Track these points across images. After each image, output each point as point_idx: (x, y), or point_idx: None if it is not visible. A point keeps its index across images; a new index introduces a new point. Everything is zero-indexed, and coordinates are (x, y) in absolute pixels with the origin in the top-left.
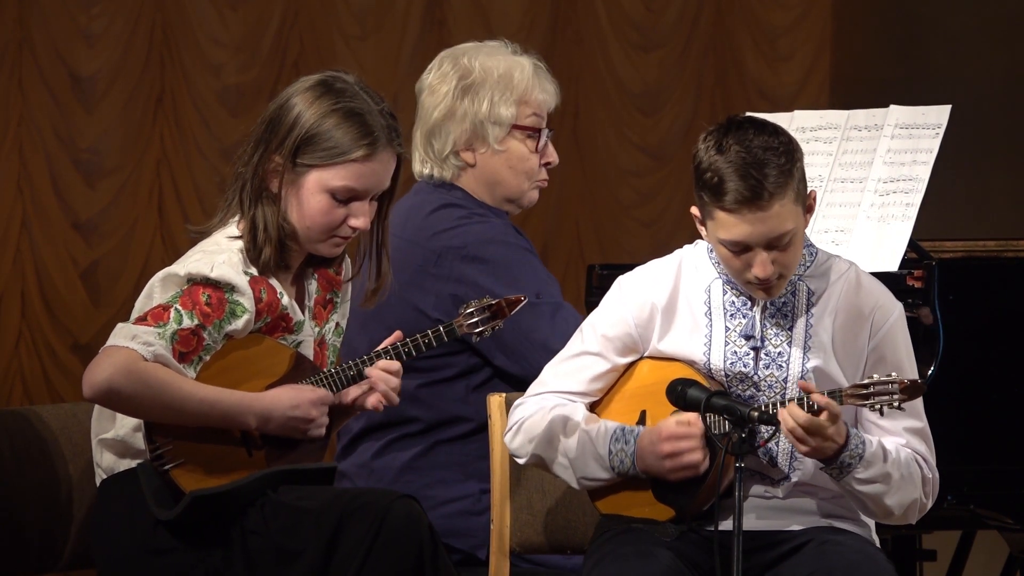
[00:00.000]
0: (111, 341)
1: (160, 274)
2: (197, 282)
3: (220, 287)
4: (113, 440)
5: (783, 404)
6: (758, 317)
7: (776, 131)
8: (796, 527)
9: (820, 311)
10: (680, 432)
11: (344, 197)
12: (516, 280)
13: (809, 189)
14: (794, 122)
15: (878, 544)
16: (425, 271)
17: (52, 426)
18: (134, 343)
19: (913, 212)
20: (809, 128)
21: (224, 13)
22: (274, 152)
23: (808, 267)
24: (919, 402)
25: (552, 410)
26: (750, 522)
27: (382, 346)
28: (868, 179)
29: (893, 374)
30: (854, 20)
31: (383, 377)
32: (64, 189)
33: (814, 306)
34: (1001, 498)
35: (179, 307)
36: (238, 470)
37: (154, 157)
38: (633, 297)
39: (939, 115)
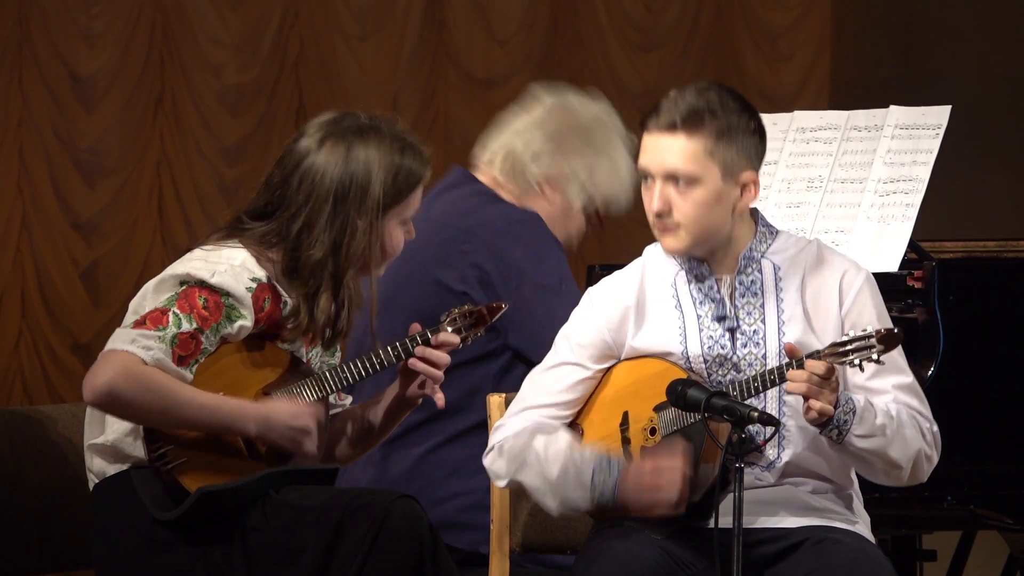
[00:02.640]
0: (110, 345)
1: (158, 277)
2: (192, 284)
3: (216, 291)
4: (103, 445)
5: (789, 367)
6: (727, 298)
7: (745, 107)
8: (788, 523)
9: (788, 285)
10: (660, 467)
11: (408, 222)
12: (542, 261)
13: (750, 176)
14: (794, 122)
15: (874, 542)
16: (452, 247)
17: (52, 426)
18: (134, 347)
19: (913, 212)
20: (809, 128)
21: (224, 13)
22: (355, 220)
23: (770, 244)
24: (902, 359)
25: (534, 434)
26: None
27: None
28: (868, 179)
29: (868, 328)
30: (854, 21)
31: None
32: (64, 189)
33: (782, 280)
34: (1001, 498)
35: (177, 310)
36: (241, 470)
37: (154, 157)
38: (603, 304)
39: (939, 116)
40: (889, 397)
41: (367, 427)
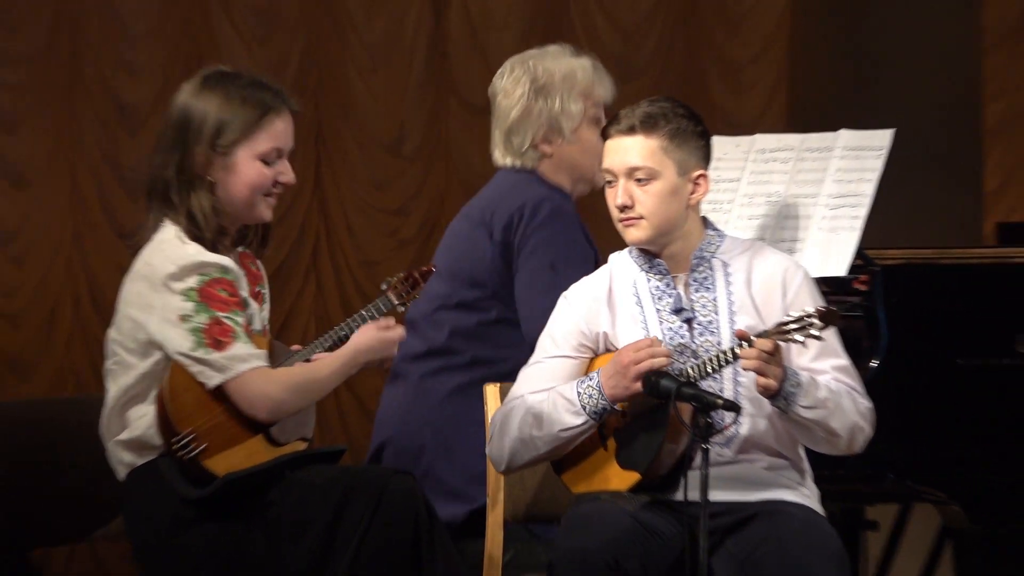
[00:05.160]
0: (227, 375)
1: (139, 287)
2: (203, 281)
3: (219, 276)
4: (128, 440)
5: (740, 346)
6: (683, 292)
7: (692, 114)
8: (746, 497)
9: (736, 279)
10: (637, 344)
11: (272, 159)
12: (551, 240)
13: (700, 172)
14: (755, 144)
15: (822, 513)
16: (480, 226)
17: (98, 412)
18: (246, 365)
19: (860, 224)
20: (768, 150)
21: (252, 48)
22: (193, 148)
23: (719, 246)
24: (839, 344)
25: (515, 400)
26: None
27: None
28: (820, 195)
29: (808, 308)
30: (808, 55)
31: None
32: (110, 204)
33: (730, 276)
34: (934, 476)
35: (221, 314)
36: (255, 450)
37: None
38: (576, 300)
39: (882, 138)
40: (829, 377)
41: None
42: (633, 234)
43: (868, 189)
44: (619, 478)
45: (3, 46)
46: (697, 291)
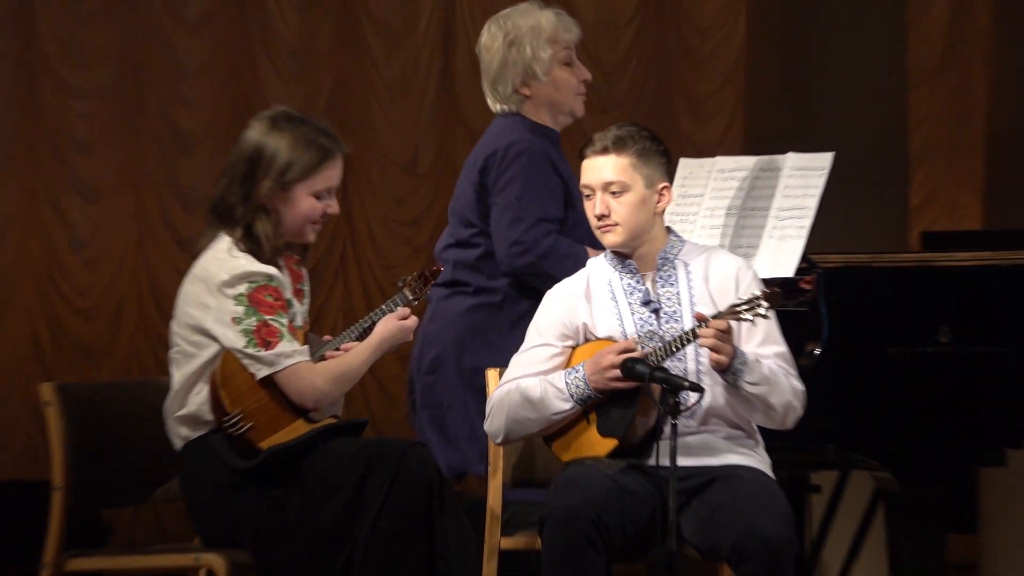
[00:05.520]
0: (274, 369)
1: (198, 288)
2: (252, 287)
3: (266, 283)
4: (186, 416)
5: (700, 326)
6: (651, 287)
7: (653, 136)
8: (708, 463)
9: (696, 276)
10: (618, 347)
11: (323, 195)
12: (520, 180)
13: (663, 185)
14: (716, 165)
15: (773, 478)
16: (469, 171)
17: (157, 393)
18: (291, 360)
19: (805, 233)
20: (728, 170)
21: (288, 83)
22: (261, 180)
23: (681, 249)
24: (779, 334)
25: (509, 384)
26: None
27: None
28: (771, 208)
29: (755, 292)
30: (761, 90)
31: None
32: (169, 216)
33: (691, 273)
34: (869, 447)
35: (268, 317)
36: (293, 425)
37: None
38: (558, 296)
39: (824, 160)
40: (771, 361)
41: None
42: (610, 238)
43: (812, 203)
44: (599, 445)
45: (79, 82)
46: (663, 287)
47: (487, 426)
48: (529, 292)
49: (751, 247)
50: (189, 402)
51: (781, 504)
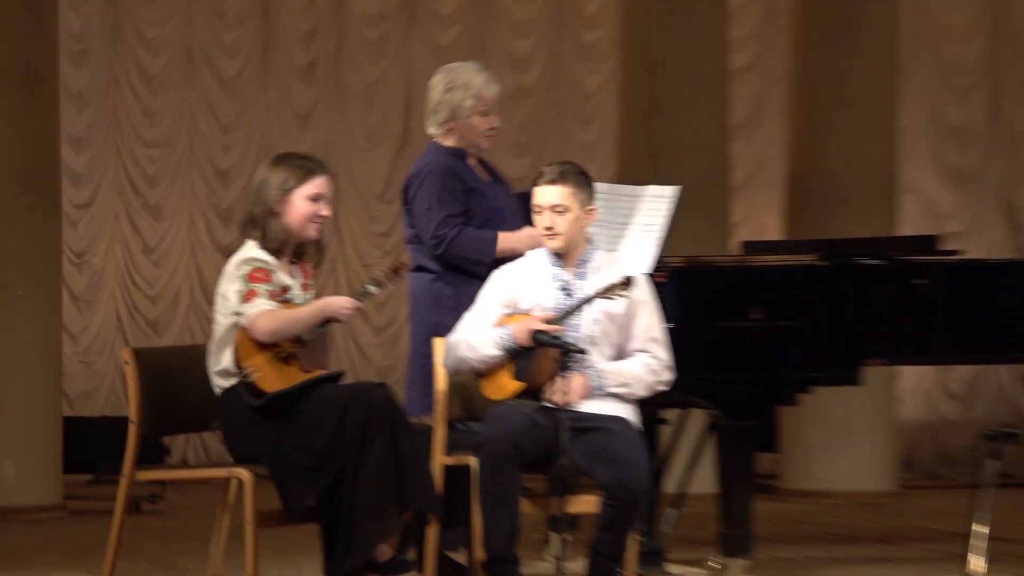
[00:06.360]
0: (249, 313)
1: (225, 278)
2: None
3: (260, 266)
4: (221, 370)
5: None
6: (570, 278)
7: (583, 171)
8: (593, 410)
9: (601, 273)
10: (539, 318)
11: (316, 199)
12: (427, 193)
13: (590, 207)
14: (599, 190)
15: (637, 420)
16: (404, 189)
17: (202, 357)
18: (255, 309)
19: (658, 241)
20: (604, 193)
21: (295, 138)
22: (270, 193)
23: (593, 253)
24: (658, 324)
25: (459, 334)
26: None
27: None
28: (633, 223)
29: (617, 277)
30: (630, 141)
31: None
32: (211, 230)
33: (598, 271)
34: (704, 391)
35: (256, 285)
36: (293, 376)
37: None
38: (503, 276)
39: (673, 191)
40: (642, 346)
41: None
42: (552, 244)
43: (664, 220)
44: (512, 386)
45: (147, 134)
46: (578, 278)
47: (443, 362)
48: (456, 269)
49: (618, 251)
50: (222, 360)
51: (643, 459)
